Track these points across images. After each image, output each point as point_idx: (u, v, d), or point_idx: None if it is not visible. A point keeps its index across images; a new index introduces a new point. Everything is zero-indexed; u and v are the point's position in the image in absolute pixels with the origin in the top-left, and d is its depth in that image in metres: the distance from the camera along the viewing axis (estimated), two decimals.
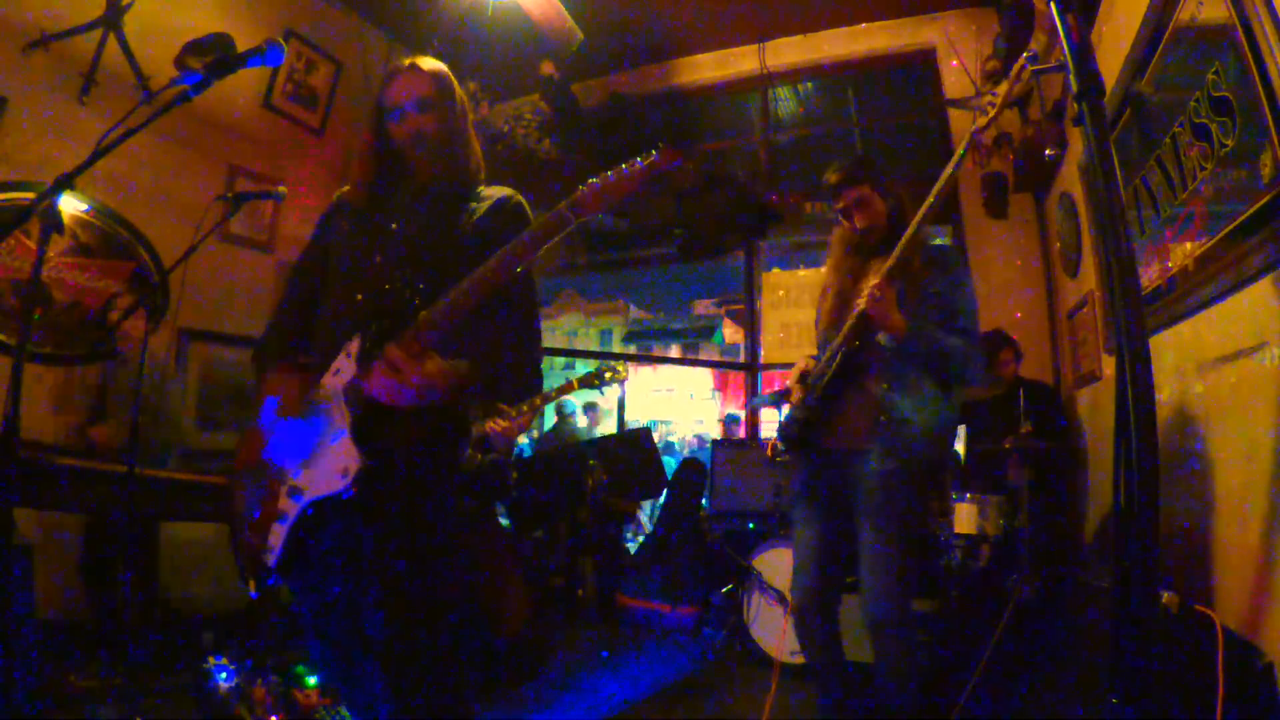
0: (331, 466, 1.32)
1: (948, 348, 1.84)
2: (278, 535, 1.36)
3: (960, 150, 1.90)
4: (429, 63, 1.52)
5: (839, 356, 1.89)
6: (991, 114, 1.84)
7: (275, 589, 1.42)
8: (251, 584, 1.42)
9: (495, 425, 2.64)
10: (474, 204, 1.50)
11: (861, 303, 1.82)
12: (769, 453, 2.13)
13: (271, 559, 1.37)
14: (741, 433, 6.61)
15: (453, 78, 1.55)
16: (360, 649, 1.40)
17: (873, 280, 1.83)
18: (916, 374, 1.86)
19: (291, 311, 1.59)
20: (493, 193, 1.53)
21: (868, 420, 1.86)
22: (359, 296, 1.42)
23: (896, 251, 1.83)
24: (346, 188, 1.60)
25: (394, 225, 1.47)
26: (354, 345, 1.36)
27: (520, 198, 1.54)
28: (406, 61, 1.51)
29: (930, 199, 1.83)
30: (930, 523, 2.72)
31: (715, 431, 10.02)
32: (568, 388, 3.11)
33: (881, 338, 1.87)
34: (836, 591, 1.98)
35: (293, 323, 1.57)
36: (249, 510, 1.43)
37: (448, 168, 1.50)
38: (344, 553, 1.39)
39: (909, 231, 1.83)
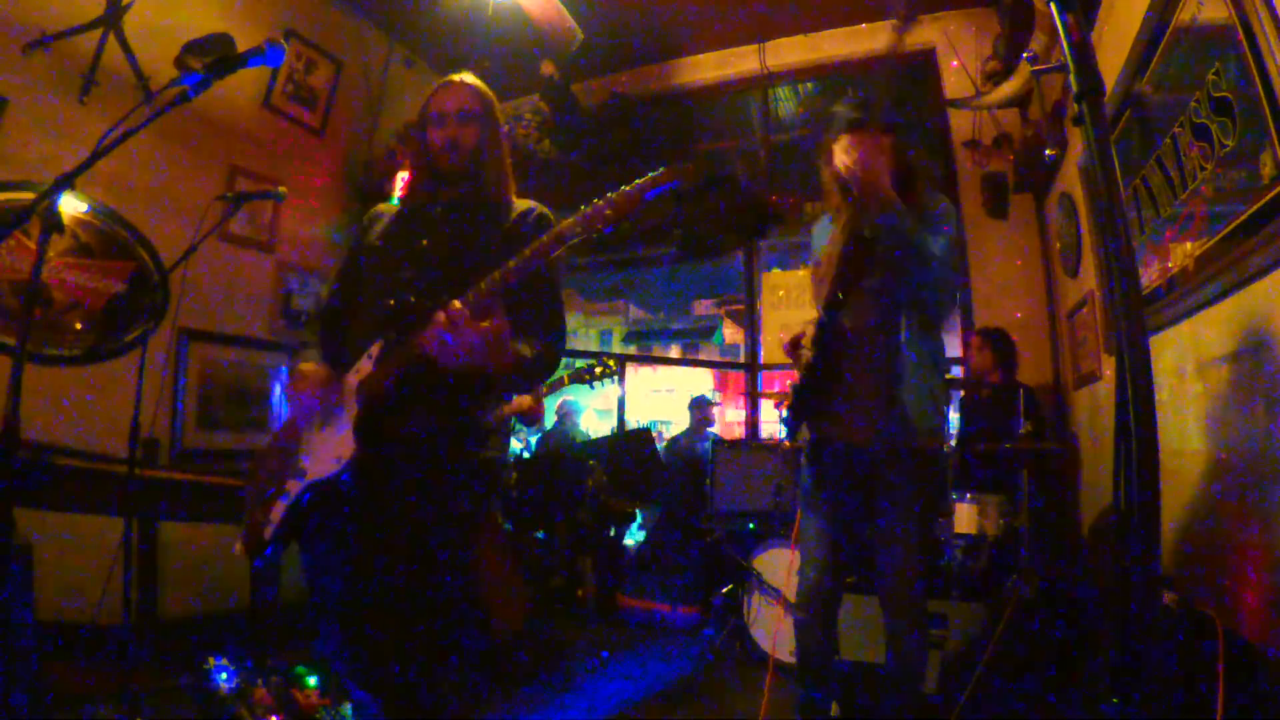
0: (329, 453, 1.41)
1: (929, 249, 1.73)
2: (278, 512, 1.45)
3: None
4: (475, 80, 1.63)
5: (835, 282, 1.82)
6: None
7: (270, 563, 1.49)
8: (240, 547, 1.50)
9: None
10: (503, 217, 1.57)
11: (848, 163, 1.70)
12: (779, 441, 2.09)
13: (269, 532, 1.45)
14: (714, 417, 6.15)
15: (495, 100, 1.64)
16: (360, 637, 1.43)
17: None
18: (915, 357, 1.82)
19: (335, 311, 1.69)
20: (520, 205, 1.60)
21: (875, 413, 1.82)
22: (391, 302, 1.49)
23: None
24: (381, 205, 1.73)
25: (424, 241, 1.55)
26: (375, 348, 1.44)
27: (544, 210, 1.59)
28: (456, 77, 1.62)
29: None
30: (933, 521, 2.71)
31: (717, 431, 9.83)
32: (559, 383, 3.15)
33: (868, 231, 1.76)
34: (841, 588, 1.97)
35: (335, 323, 1.67)
36: (262, 485, 1.52)
37: (478, 181, 1.57)
38: (348, 544, 1.44)
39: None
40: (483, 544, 2.61)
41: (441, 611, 1.41)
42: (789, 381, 2.10)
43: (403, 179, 4.12)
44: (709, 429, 5.79)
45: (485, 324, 1.25)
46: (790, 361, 2.05)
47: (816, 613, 1.93)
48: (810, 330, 1.96)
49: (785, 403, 2.01)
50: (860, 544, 1.89)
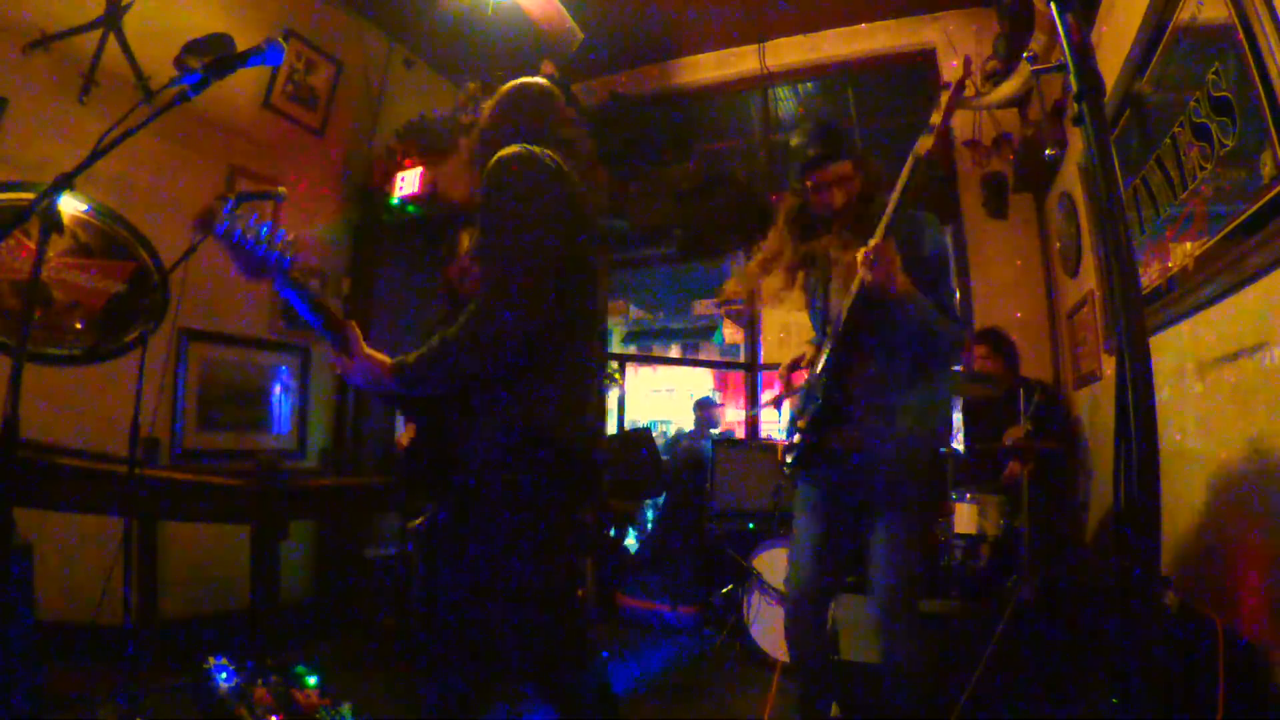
0: None
1: (938, 325, 1.74)
2: None
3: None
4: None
5: (840, 339, 1.82)
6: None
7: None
8: None
9: None
10: None
11: (862, 271, 1.67)
12: (780, 459, 2.08)
13: None
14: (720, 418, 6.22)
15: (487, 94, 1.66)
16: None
17: (869, 243, 1.66)
18: (911, 365, 1.80)
19: None
20: None
21: (870, 419, 1.81)
22: None
23: (890, 209, 1.69)
24: None
25: None
26: None
27: (496, 162, 1.40)
28: None
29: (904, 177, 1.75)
30: (932, 522, 2.71)
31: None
32: None
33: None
34: (832, 589, 1.96)
35: None
36: None
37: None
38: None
39: (895, 195, 1.71)
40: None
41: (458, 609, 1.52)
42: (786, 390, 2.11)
43: (402, 179, 4.12)
44: (713, 429, 5.84)
45: (344, 357, 1.38)
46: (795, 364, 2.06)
47: (803, 615, 1.91)
48: (809, 352, 1.97)
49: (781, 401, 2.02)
50: (859, 544, 1.88)
